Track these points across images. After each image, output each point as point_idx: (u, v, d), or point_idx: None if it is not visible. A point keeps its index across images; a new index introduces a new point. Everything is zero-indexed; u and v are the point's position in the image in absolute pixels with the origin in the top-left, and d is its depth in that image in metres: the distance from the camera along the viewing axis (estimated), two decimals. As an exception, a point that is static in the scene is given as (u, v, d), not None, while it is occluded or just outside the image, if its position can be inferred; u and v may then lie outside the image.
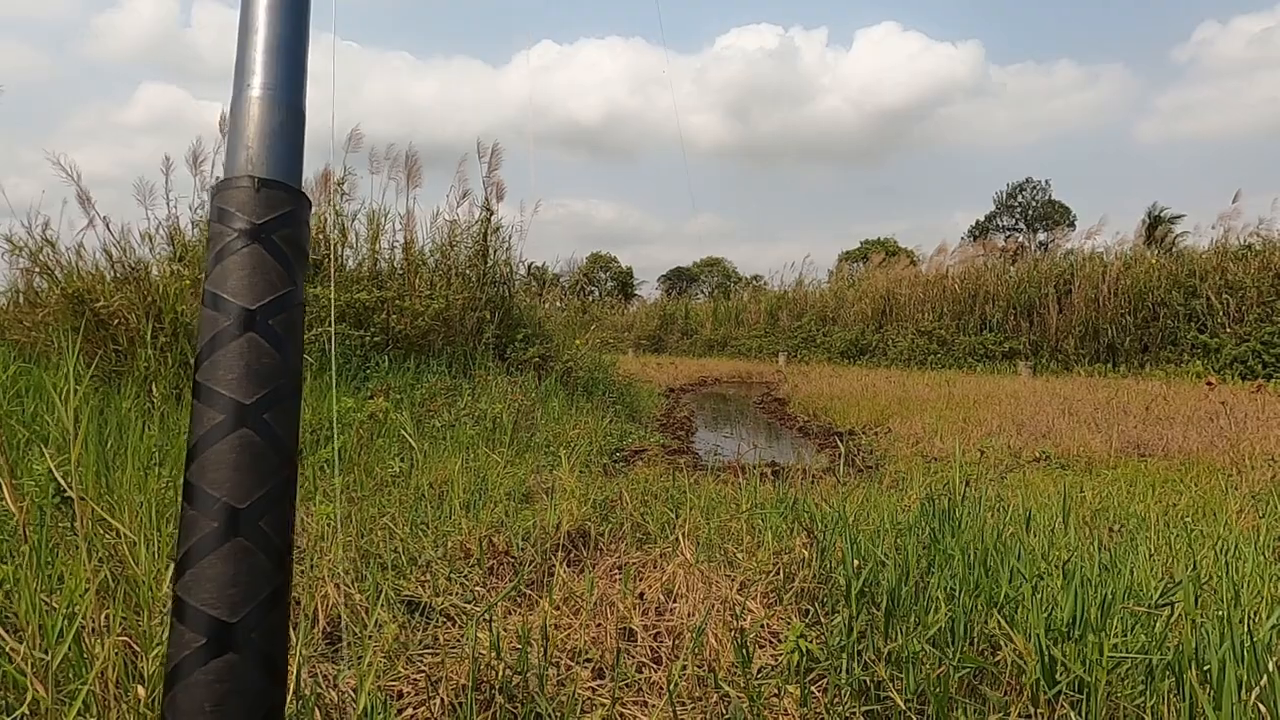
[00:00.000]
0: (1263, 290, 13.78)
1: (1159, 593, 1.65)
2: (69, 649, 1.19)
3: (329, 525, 2.42)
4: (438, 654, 1.79)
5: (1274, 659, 1.10)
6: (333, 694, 1.55)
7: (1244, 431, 5.79)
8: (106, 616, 1.28)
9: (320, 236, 7.01)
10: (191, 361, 4.16)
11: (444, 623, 2.00)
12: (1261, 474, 4.46)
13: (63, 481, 1.65)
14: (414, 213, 7.58)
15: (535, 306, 8.64)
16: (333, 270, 6.37)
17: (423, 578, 2.26)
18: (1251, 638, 1.22)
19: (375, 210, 7.29)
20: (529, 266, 11.09)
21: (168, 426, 3.07)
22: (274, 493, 0.63)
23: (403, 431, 3.48)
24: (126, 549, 1.45)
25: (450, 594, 2.16)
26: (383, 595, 2.01)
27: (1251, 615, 1.76)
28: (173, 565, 0.62)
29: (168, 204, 6.64)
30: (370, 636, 1.81)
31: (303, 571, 2.06)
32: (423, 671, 1.73)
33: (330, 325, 5.66)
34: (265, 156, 0.68)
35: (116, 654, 1.21)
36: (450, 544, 2.49)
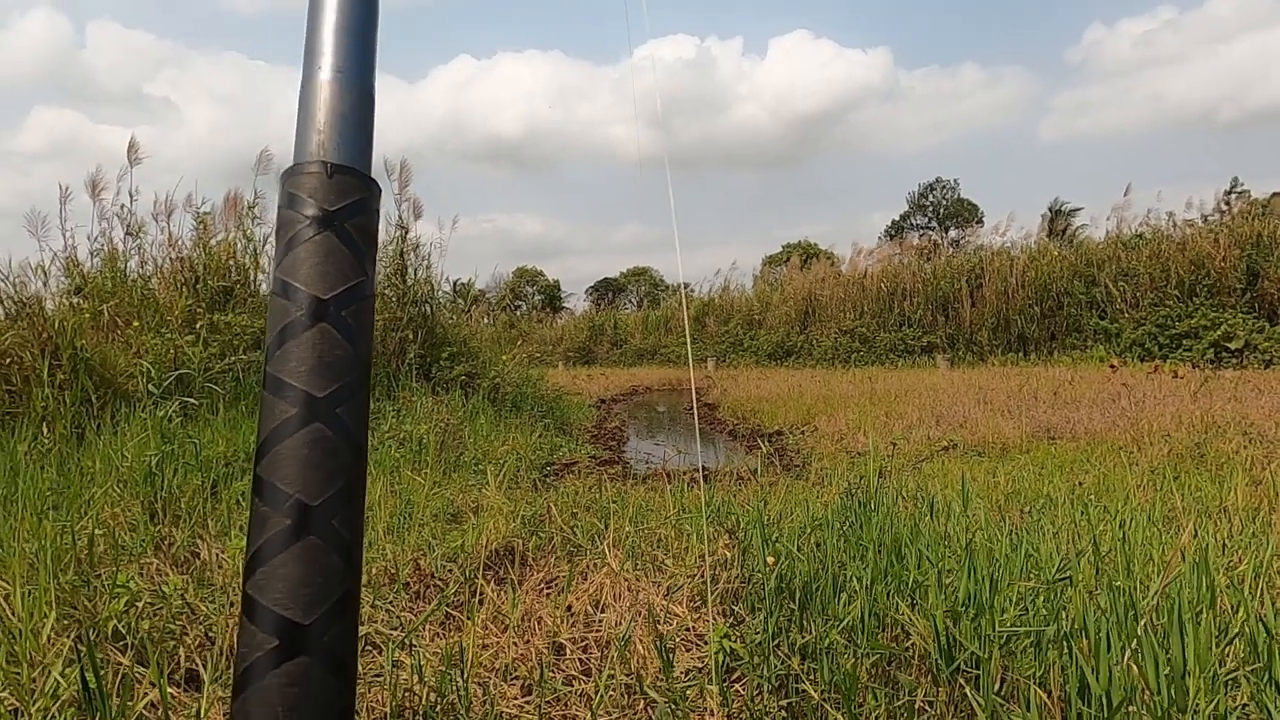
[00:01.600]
0: (1154, 276, 14.64)
1: (1057, 568, 1.75)
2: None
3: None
4: (362, 682, 1.75)
5: (1143, 621, 1.18)
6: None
7: (1143, 411, 6.12)
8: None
9: (230, 263, 6.79)
10: (93, 398, 3.97)
11: (369, 651, 1.96)
12: (1158, 450, 4.73)
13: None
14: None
15: (460, 324, 8.54)
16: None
17: (346, 607, 2.21)
18: (1133, 604, 1.30)
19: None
20: (454, 284, 10.97)
21: (66, 468, 2.93)
22: (346, 490, 0.61)
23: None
24: (1, 599, 1.38)
25: (375, 621, 2.12)
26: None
27: (1142, 583, 1.86)
28: (242, 562, 0.60)
29: (64, 234, 6.34)
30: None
31: (220, 609, 1.99)
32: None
33: (243, 353, 5.48)
34: (336, 141, 0.66)
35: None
36: (374, 570, 2.44)
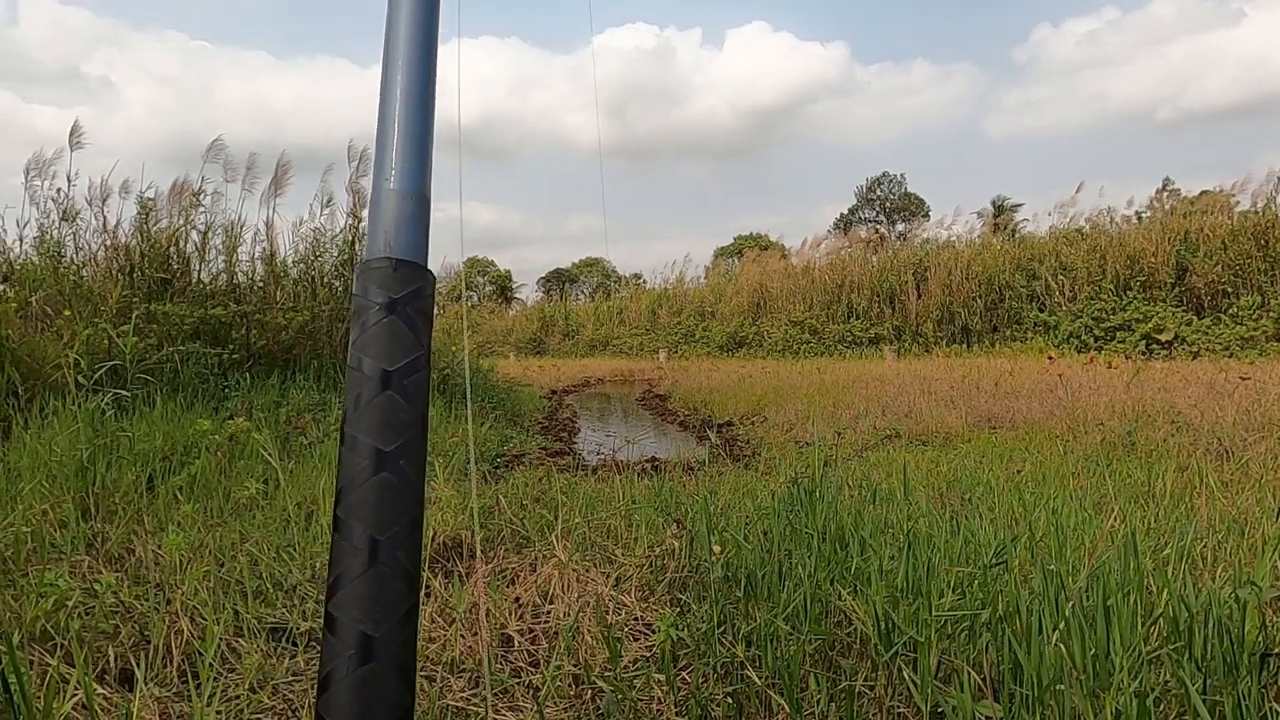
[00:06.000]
0: (1091, 271, 15.12)
1: (993, 553, 1.80)
2: None
3: (183, 555, 2.28)
4: (304, 680, 1.73)
5: (1071, 603, 1.23)
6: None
7: (1078, 401, 6.33)
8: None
9: (172, 250, 6.57)
10: (20, 390, 3.83)
11: (311, 647, 1.93)
12: (1092, 438, 4.89)
13: None
14: (274, 222, 7.23)
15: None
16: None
17: (289, 602, 2.17)
18: (1064, 587, 1.34)
19: (233, 221, 6.91)
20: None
21: (-9, 462, 2.81)
22: (407, 527, 0.73)
23: (263, 452, 3.32)
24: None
25: (320, 616, 2.09)
26: (245, 624, 1.92)
27: (1074, 566, 1.93)
28: (326, 587, 0.73)
29: (-10, 219, 6.08)
30: (230, 669, 1.73)
31: (156, 607, 1.94)
32: (288, 700, 1.67)
33: (181, 344, 5.32)
34: (400, 240, 0.80)
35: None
36: (319, 565, 2.40)
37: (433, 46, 0.86)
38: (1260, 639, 1.32)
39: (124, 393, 3.87)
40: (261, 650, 1.81)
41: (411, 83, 0.84)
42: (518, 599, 2.14)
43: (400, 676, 0.71)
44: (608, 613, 2.00)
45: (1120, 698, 1.15)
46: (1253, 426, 4.60)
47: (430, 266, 0.83)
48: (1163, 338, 13.46)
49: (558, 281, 40.97)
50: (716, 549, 1.85)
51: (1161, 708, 1.31)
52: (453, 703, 1.65)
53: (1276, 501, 2.92)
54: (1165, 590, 1.48)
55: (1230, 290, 13.74)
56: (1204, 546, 2.30)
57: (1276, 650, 1.32)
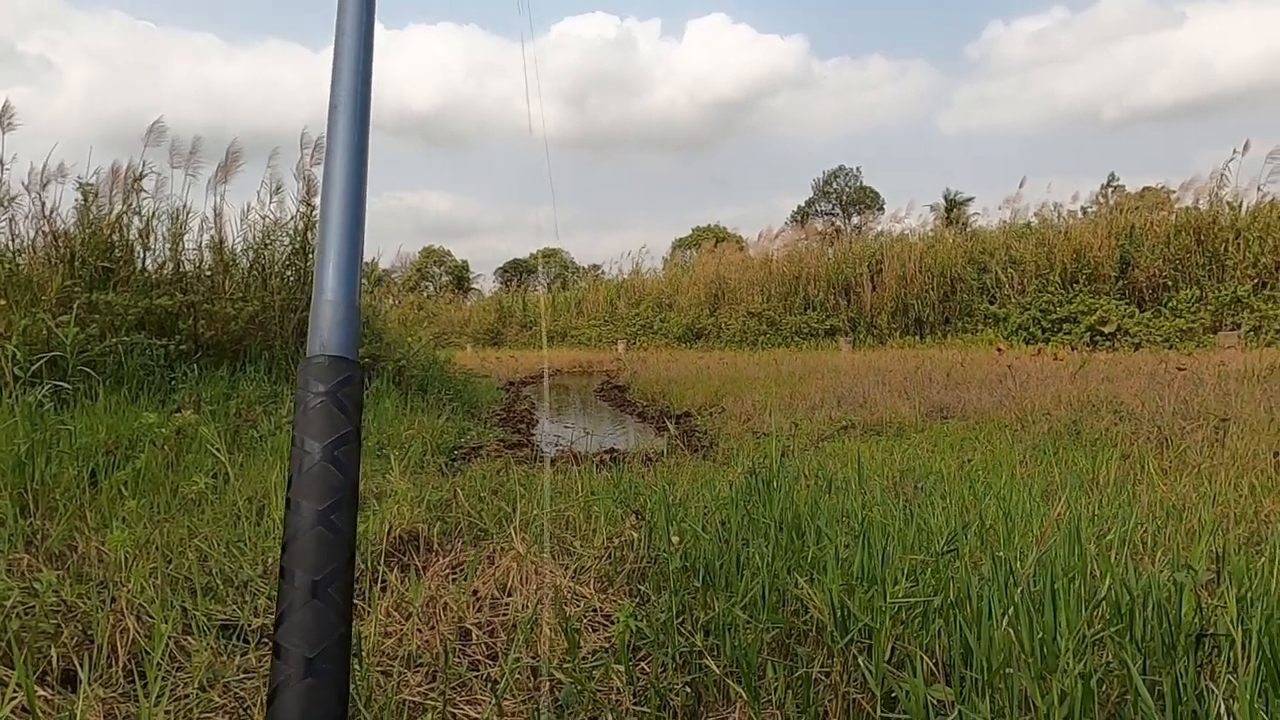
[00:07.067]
0: (1040, 264, 15.52)
1: (945, 541, 1.83)
2: None
3: (128, 552, 2.22)
4: (255, 677, 1.69)
5: (1019, 589, 1.26)
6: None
7: (1026, 391, 6.48)
8: None
9: (115, 237, 6.36)
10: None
11: (265, 645, 1.89)
12: (1040, 428, 5.02)
13: None
14: (223, 209, 7.03)
15: (364, 304, 8.26)
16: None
17: (240, 599, 2.12)
18: (1013, 573, 1.38)
19: (178, 207, 6.71)
20: (356, 263, 10.58)
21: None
22: (338, 569, 0.88)
23: (210, 446, 3.23)
24: None
25: (271, 614, 2.05)
26: (194, 621, 1.88)
27: (1021, 552, 1.98)
28: (274, 620, 0.86)
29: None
30: (179, 668, 1.69)
31: (100, 605, 1.88)
32: (239, 698, 1.64)
33: (125, 335, 5.15)
34: (333, 341, 0.97)
35: None
36: (271, 560, 2.36)
37: (362, 178, 1.03)
38: (1196, 620, 1.37)
39: (65, 385, 3.74)
40: (211, 648, 1.77)
41: (345, 211, 1.01)
42: (476, 592, 2.13)
43: (335, 692, 0.84)
44: (566, 604, 2.00)
45: (1066, 679, 1.19)
46: (1190, 416, 4.77)
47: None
48: (1106, 330, 13.87)
49: (515, 272, 40.63)
50: (675, 539, 1.86)
51: (1104, 688, 1.36)
52: (410, 697, 1.63)
53: (1212, 488, 3.04)
54: (1108, 575, 1.52)
55: (1170, 284, 14.21)
56: (1144, 532, 2.39)
57: (1211, 631, 1.38)
